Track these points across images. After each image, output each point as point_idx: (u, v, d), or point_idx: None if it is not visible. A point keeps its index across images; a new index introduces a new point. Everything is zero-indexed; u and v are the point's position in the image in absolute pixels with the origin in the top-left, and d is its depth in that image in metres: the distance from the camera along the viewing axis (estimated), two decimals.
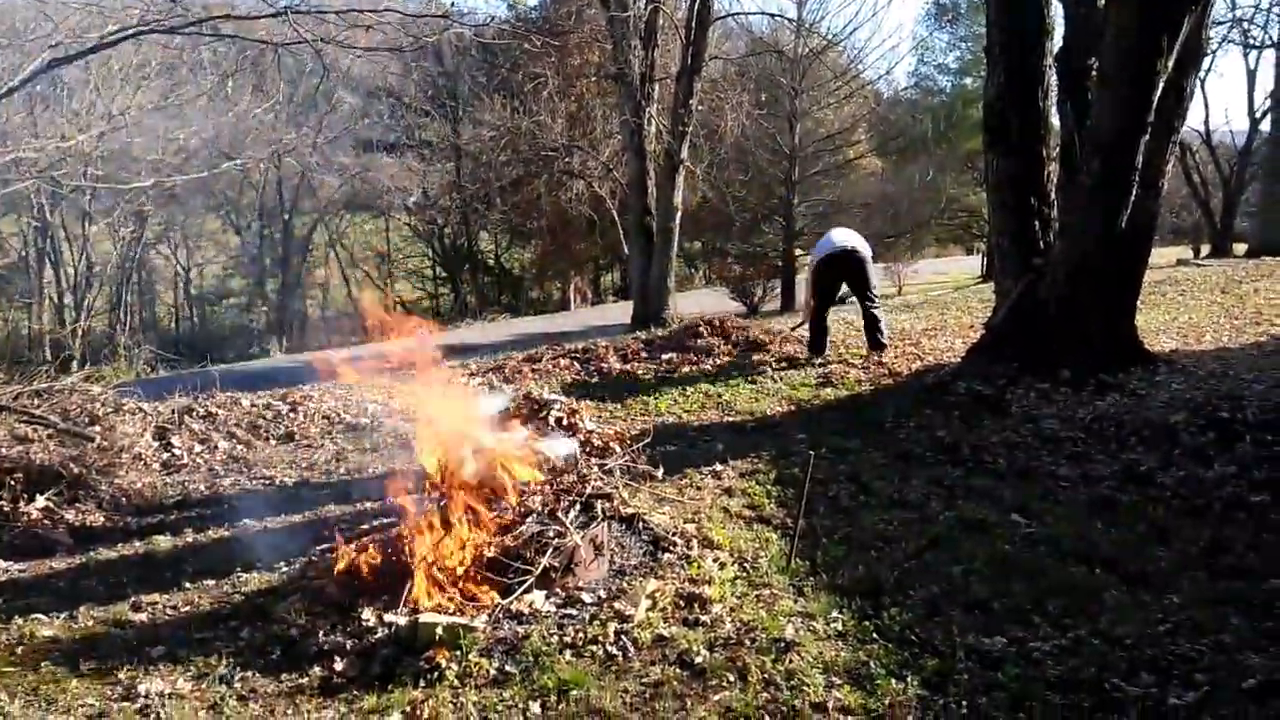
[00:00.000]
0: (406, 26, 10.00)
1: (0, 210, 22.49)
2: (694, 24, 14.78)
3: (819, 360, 8.46)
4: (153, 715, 2.95)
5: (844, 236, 8.60)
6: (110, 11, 10.22)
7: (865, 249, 8.50)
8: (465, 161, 28.18)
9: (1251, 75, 24.10)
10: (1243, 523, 4.21)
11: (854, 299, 9.06)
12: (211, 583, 4.13)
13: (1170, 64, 5.95)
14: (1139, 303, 7.52)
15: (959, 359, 7.75)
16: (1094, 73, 6.93)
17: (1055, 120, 7.44)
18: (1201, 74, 18.37)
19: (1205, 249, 25.08)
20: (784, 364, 8.40)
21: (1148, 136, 6.14)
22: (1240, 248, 22.40)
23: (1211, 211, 24.51)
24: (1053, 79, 7.13)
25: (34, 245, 24.94)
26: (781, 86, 22.40)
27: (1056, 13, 7.34)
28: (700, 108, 16.81)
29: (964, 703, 2.82)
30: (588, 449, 4.59)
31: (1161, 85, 6.00)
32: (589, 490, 4.12)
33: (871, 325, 8.65)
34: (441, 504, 3.88)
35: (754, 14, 23.99)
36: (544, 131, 18.58)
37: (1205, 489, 4.63)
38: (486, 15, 22.94)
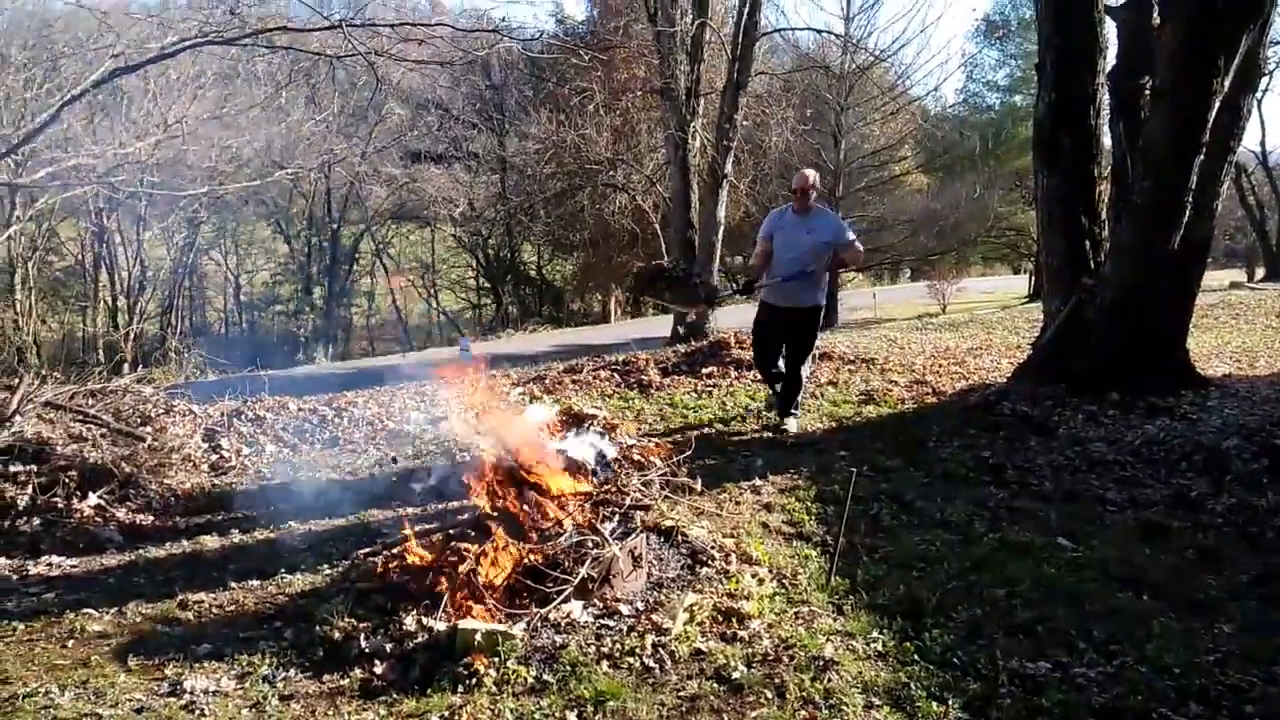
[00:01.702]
0: (457, 41, 10.16)
1: (59, 215, 23.18)
2: (740, 39, 14.82)
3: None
4: (197, 712, 3.00)
5: (798, 279, 6.34)
6: (170, 23, 10.52)
7: (822, 297, 6.60)
8: (510, 174, 28.48)
9: None
10: None
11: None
12: (256, 583, 4.19)
13: (1226, 83, 5.85)
14: (1191, 326, 7.37)
15: (1005, 379, 7.65)
16: (1147, 91, 6.83)
17: (1107, 139, 7.32)
18: (1259, 94, 17.96)
19: (1260, 272, 24.50)
20: (825, 382, 8.34)
21: (1202, 157, 6.03)
22: None
23: (1267, 234, 23.96)
24: (1104, 97, 7.02)
25: (90, 250, 25.65)
26: (827, 102, 22.34)
27: (1109, 31, 7.24)
28: (745, 123, 16.82)
29: None
30: (627, 461, 4.60)
31: (1217, 105, 5.90)
32: (628, 502, 4.13)
33: (792, 387, 6.80)
34: (483, 511, 3.92)
35: (801, 29, 24.02)
36: (589, 145, 18.71)
37: (1258, 517, 4.52)
38: (535, 30, 23.22)
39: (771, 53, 23.12)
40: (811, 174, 6.52)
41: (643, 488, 4.31)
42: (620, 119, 20.33)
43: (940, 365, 8.88)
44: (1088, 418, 6.33)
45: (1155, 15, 6.71)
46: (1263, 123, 27.19)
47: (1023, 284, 30.45)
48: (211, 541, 4.86)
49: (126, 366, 18.88)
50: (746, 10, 14.73)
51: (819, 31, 23.53)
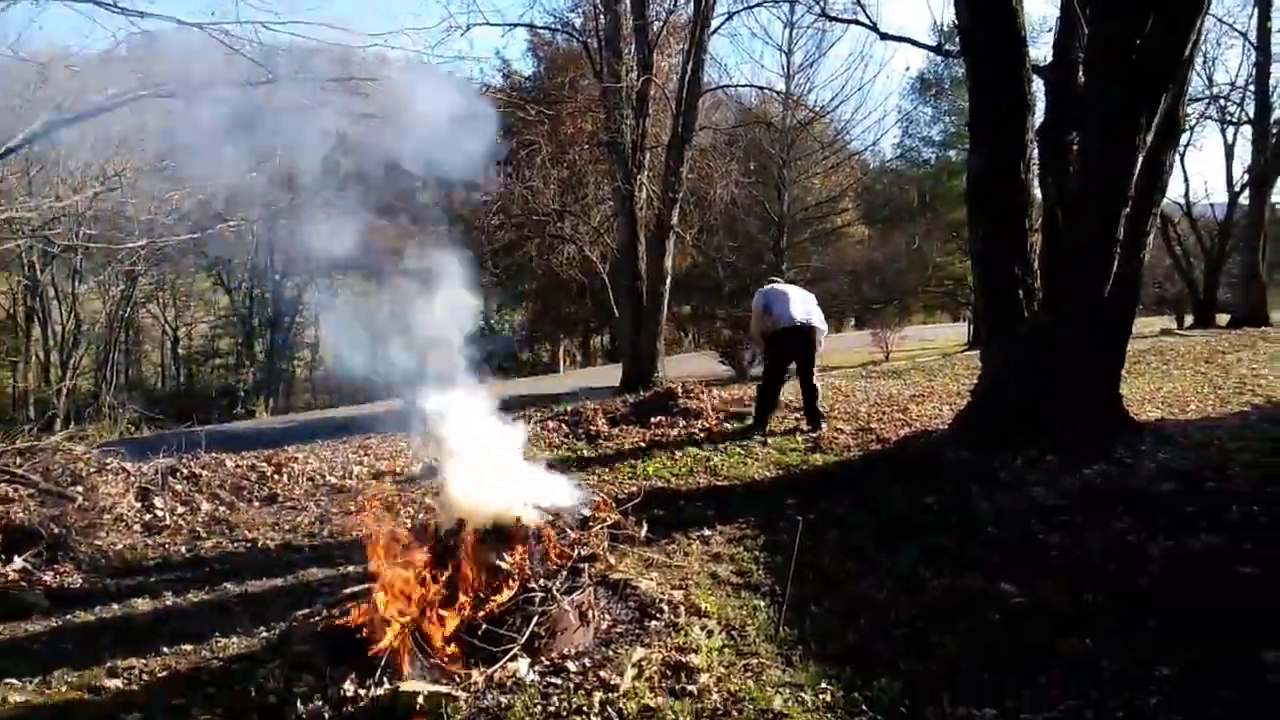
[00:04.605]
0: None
1: None
2: (684, 95, 15.13)
3: (758, 437, 8.11)
4: None
5: (803, 307, 8.24)
6: (110, 76, 10.40)
7: (821, 320, 8.35)
8: (457, 225, 28.49)
9: (1229, 150, 24.75)
10: (1233, 593, 4.18)
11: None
12: (190, 647, 4.05)
13: (1149, 139, 6.10)
14: (1124, 372, 7.57)
15: (947, 425, 7.77)
16: (1075, 147, 7.10)
17: (1038, 192, 7.56)
18: (1180, 149, 18.82)
19: (1189, 319, 25.39)
20: (775, 431, 8.39)
21: (1128, 209, 6.27)
22: (1223, 318, 22.70)
23: (1194, 282, 24.88)
24: (1035, 152, 7.27)
25: (23, 304, 24.96)
26: (770, 156, 22.87)
27: (1039, 88, 7.52)
28: (691, 175, 17.12)
29: None
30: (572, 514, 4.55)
31: (1141, 160, 6.15)
32: (575, 554, 4.08)
33: (811, 398, 8.37)
34: (426, 567, 3.83)
35: (743, 86, 24.58)
36: (536, 197, 18.83)
37: (1193, 558, 4.60)
38: (482, 84, 23.43)
39: (715, 108, 23.63)
40: None
41: (591, 539, 4.26)
42: (567, 171, 20.52)
43: (884, 413, 9.00)
44: (1027, 464, 6.42)
45: (1081, 74, 7.01)
46: (1185, 177, 28.29)
47: (962, 331, 31.16)
48: (143, 604, 4.69)
49: (59, 423, 18.28)
50: (690, 68, 15.08)
51: (761, 89, 24.09)
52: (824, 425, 8.34)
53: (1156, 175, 6.63)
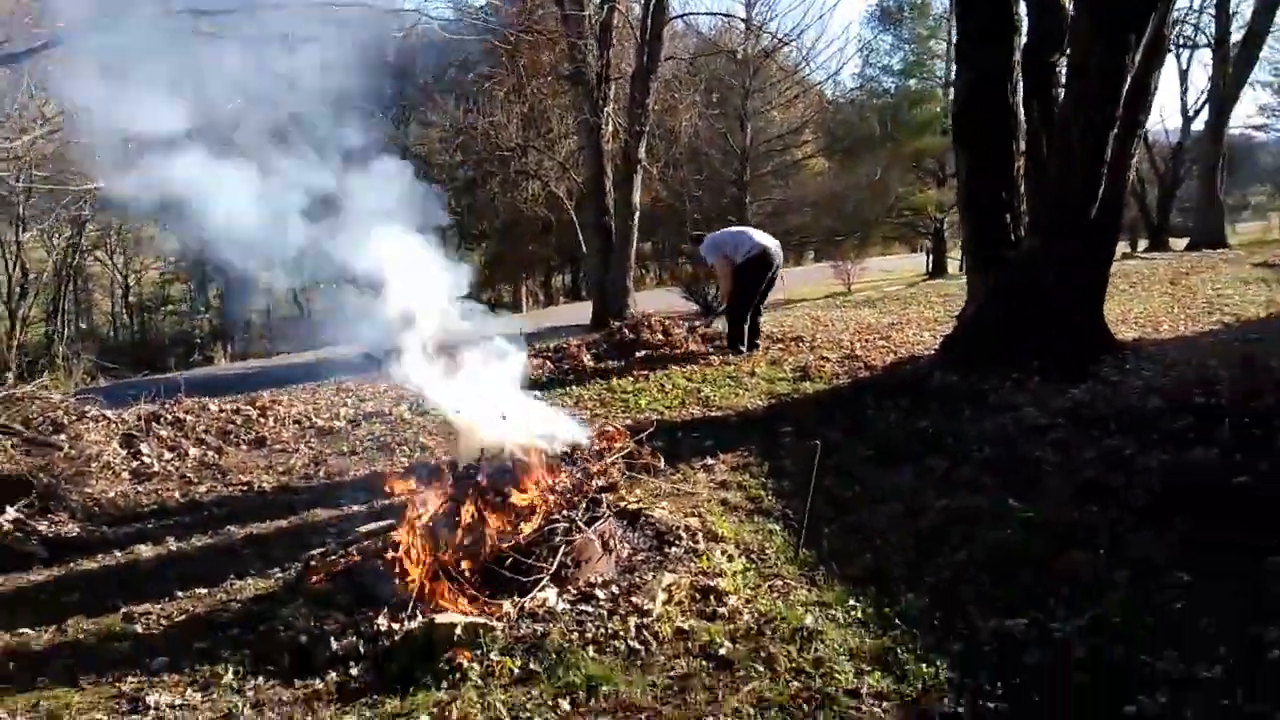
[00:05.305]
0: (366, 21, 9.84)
1: None
2: (649, 24, 14.79)
3: (743, 357, 8.57)
4: None
5: (765, 237, 8.92)
6: (56, 13, 9.87)
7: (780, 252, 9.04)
8: (413, 162, 27.83)
9: (1184, 74, 24.99)
10: (1233, 503, 4.29)
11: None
12: (204, 591, 4.00)
13: (1137, 59, 6.08)
14: None
15: (930, 351, 7.84)
16: (1059, 69, 7.06)
17: (1022, 114, 7.52)
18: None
19: (1142, 243, 25.85)
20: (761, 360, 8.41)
21: (1116, 130, 6.27)
22: (1175, 241, 23.13)
23: (1148, 207, 25.27)
24: (1019, 75, 7.23)
25: None
26: (732, 87, 22.59)
27: (1024, 10, 7.44)
28: (655, 108, 16.82)
29: (999, 683, 2.84)
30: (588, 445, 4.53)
31: (1129, 82, 6.13)
32: (594, 485, 4.08)
33: (756, 330, 9.02)
34: (448, 502, 3.80)
35: (706, 14, 24.14)
36: (499, 131, 18.39)
37: (1189, 472, 4.71)
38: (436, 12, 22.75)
39: (673, 38, 23.19)
40: None
41: (607, 469, 4.25)
42: (527, 106, 20.07)
43: (867, 340, 9.06)
44: (1015, 385, 6.50)
45: None
46: None
47: (920, 262, 31.43)
48: (147, 551, 4.61)
49: (11, 377, 17.74)
50: None
51: (725, 16, 23.68)
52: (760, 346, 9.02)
53: (1142, 96, 6.63)
